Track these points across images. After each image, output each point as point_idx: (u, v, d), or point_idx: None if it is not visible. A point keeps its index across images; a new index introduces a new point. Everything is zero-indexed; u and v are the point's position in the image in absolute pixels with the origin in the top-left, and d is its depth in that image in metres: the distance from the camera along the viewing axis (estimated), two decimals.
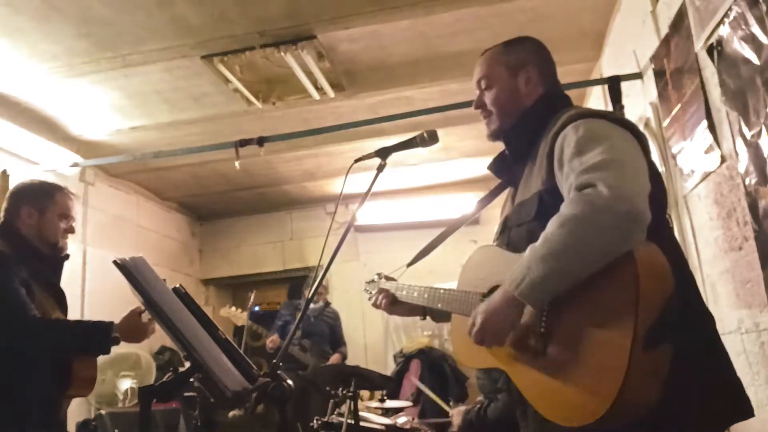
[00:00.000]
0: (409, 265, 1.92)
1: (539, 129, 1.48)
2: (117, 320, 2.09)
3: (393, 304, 1.88)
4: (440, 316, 1.86)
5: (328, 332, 5.25)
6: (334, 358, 5.11)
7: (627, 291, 1.12)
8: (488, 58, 1.61)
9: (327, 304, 5.30)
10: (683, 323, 1.17)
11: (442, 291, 1.65)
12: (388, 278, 1.99)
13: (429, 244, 1.91)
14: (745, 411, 1.28)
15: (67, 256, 2.31)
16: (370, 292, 2.01)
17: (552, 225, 1.21)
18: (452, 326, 1.65)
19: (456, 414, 2.90)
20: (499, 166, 1.65)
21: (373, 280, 2.04)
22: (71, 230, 2.29)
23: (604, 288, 1.17)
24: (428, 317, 1.91)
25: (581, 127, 1.31)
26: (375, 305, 1.93)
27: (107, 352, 2.05)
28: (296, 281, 5.90)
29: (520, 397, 1.35)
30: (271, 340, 4.85)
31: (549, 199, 1.34)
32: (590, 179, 1.18)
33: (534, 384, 1.29)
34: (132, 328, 2.08)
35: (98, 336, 2.04)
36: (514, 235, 1.47)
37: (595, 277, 1.17)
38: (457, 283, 1.64)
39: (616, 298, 1.15)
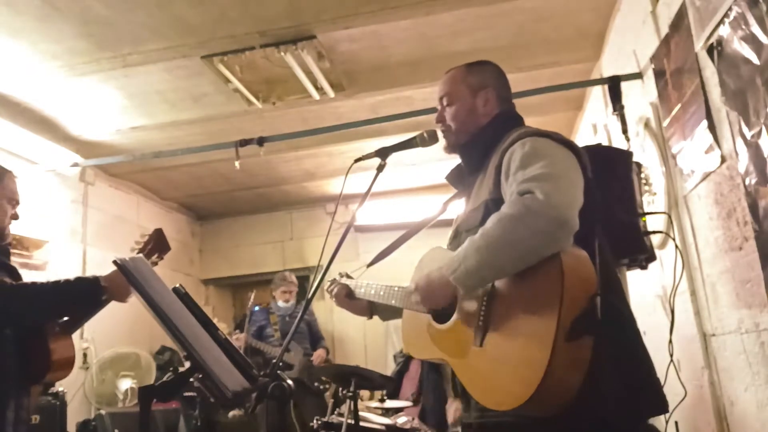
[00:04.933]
0: (369, 265, 2.03)
1: (492, 145, 1.63)
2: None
3: (348, 297, 2.02)
4: (387, 315, 2.03)
5: (306, 330, 5.32)
6: (320, 354, 5.15)
7: (553, 288, 1.27)
8: (452, 77, 1.76)
9: (298, 302, 5.35)
10: (605, 320, 1.30)
11: (396, 288, 1.79)
12: (348, 277, 2.12)
13: (390, 245, 2.02)
14: (659, 407, 1.43)
15: (10, 243, 2.20)
16: (330, 291, 2.14)
17: (491, 221, 1.36)
18: (403, 320, 1.78)
19: (452, 409, 2.91)
20: (455, 177, 1.82)
21: (335, 280, 2.15)
22: (16, 216, 2.16)
23: (534, 285, 1.33)
24: (375, 317, 2.08)
25: (527, 144, 1.47)
26: (336, 298, 2.06)
27: (99, 302, 1.96)
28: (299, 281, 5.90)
29: (462, 388, 1.48)
30: (237, 338, 4.87)
31: (494, 208, 1.46)
32: (529, 187, 1.34)
33: (472, 373, 1.42)
34: (120, 282, 1.94)
35: (85, 286, 1.95)
36: (464, 239, 1.59)
37: (527, 275, 1.33)
38: (410, 281, 1.75)
39: (543, 294, 1.30)
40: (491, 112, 1.71)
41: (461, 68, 1.76)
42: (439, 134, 1.81)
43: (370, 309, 2.05)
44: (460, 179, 1.81)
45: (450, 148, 1.77)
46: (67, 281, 2.01)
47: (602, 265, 1.38)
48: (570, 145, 1.51)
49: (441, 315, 1.56)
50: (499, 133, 1.64)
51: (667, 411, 1.44)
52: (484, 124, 1.69)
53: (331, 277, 2.16)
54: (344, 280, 2.10)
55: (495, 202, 1.50)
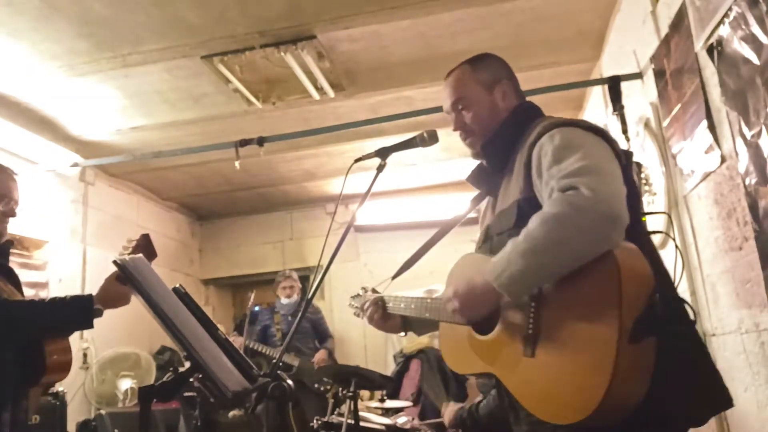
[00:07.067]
0: (394, 277, 1.92)
1: (515, 139, 1.54)
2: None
3: (384, 319, 1.87)
4: (422, 330, 1.88)
5: (310, 328, 5.24)
6: (319, 355, 5.11)
7: (610, 289, 1.17)
8: (460, 80, 1.64)
9: (301, 299, 5.30)
10: (666, 317, 1.20)
11: (429, 300, 1.67)
12: (374, 291, 1.97)
13: (412, 257, 1.89)
14: (726, 401, 1.33)
15: (10, 243, 2.17)
16: (356, 307, 1.99)
17: (534, 222, 1.25)
18: (441, 334, 1.66)
19: (448, 411, 2.90)
20: (477, 177, 1.69)
21: (358, 295, 2.02)
22: (11, 213, 2.11)
23: (588, 287, 1.22)
24: (410, 332, 1.91)
25: (556, 136, 1.37)
26: (370, 320, 1.89)
27: (91, 326, 1.95)
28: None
29: (511, 400, 1.38)
30: (234, 340, 4.84)
31: (527, 207, 1.38)
32: (572, 183, 1.24)
33: (525, 385, 1.32)
34: (112, 295, 1.96)
35: (79, 311, 1.93)
36: (496, 243, 1.50)
37: (578, 276, 1.22)
38: (443, 291, 1.64)
39: (600, 296, 1.19)
40: (510, 105, 1.60)
41: (465, 68, 1.65)
42: (440, 134, 1.78)
43: (403, 324, 1.89)
44: (483, 179, 1.68)
45: (479, 155, 1.64)
46: (62, 301, 1.97)
47: (652, 256, 1.29)
48: (600, 132, 1.42)
49: (482, 325, 1.45)
50: (520, 126, 1.54)
51: (733, 405, 1.33)
52: (504, 118, 1.59)
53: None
54: (370, 295, 1.94)
55: (528, 201, 1.40)
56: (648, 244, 1.36)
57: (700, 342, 1.36)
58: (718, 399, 1.32)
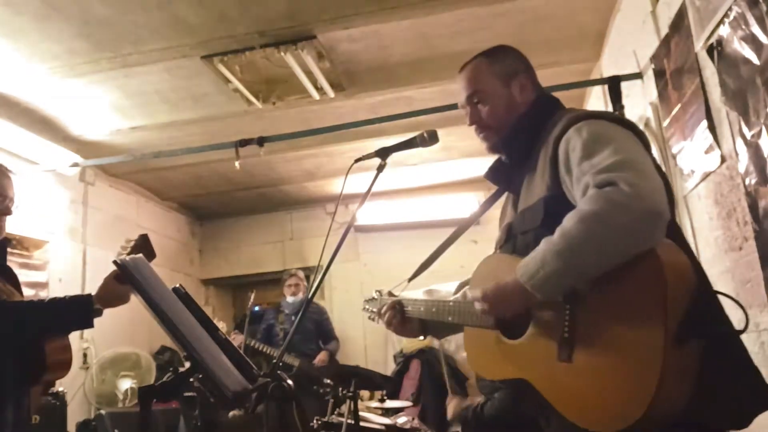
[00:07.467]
0: (410, 279, 1.85)
1: (536, 132, 1.47)
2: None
3: (402, 323, 1.76)
4: (442, 333, 1.81)
5: (314, 329, 5.21)
6: (320, 356, 5.09)
7: (654, 289, 1.11)
8: (476, 73, 1.57)
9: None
10: (708, 317, 1.16)
11: (451, 303, 1.59)
12: (390, 294, 1.87)
13: (429, 257, 1.84)
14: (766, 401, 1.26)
15: (7, 241, 2.16)
16: (371, 311, 1.91)
17: (570, 220, 1.18)
18: (466, 339, 1.59)
19: (452, 404, 2.88)
20: (495, 173, 1.63)
21: (373, 298, 1.93)
22: (6, 211, 2.09)
23: (629, 287, 1.15)
24: (429, 335, 1.83)
25: (584, 129, 1.30)
26: (388, 325, 1.80)
27: (91, 325, 1.95)
28: None
29: (543, 404, 1.31)
30: (234, 338, 4.83)
31: (555, 205, 1.32)
32: (609, 178, 1.17)
33: (561, 391, 1.25)
34: (111, 295, 1.95)
35: (79, 311, 1.93)
36: (521, 242, 1.44)
37: (618, 276, 1.15)
38: (467, 294, 1.59)
39: (643, 296, 1.13)
40: (528, 99, 1.54)
41: (481, 60, 1.58)
42: (440, 134, 1.77)
43: (421, 328, 1.79)
44: (502, 175, 1.61)
45: (494, 149, 1.59)
46: (61, 301, 1.97)
47: (687, 252, 1.22)
48: (628, 124, 1.36)
49: (511, 329, 1.38)
50: (540, 119, 1.49)
51: None
52: (522, 113, 1.53)
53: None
54: (386, 299, 1.85)
55: (555, 198, 1.34)
56: (682, 239, 1.31)
57: (739, 339, 1.28)
58: (762, 398, 1.25)
